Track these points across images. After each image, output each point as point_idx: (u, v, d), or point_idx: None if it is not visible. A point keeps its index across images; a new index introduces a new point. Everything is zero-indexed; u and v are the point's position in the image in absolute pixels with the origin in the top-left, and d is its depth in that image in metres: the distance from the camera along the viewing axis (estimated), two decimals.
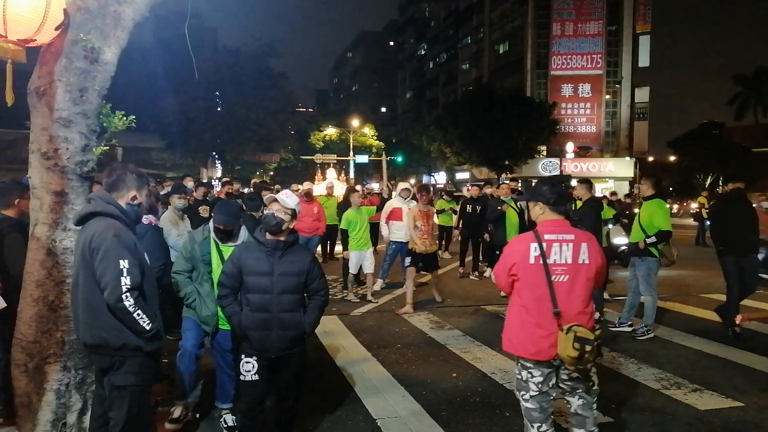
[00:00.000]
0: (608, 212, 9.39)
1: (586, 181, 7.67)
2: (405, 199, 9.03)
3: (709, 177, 51.43)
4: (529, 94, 39.90)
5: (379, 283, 9.37)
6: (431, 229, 7.92)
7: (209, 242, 3.98)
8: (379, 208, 9.75)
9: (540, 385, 3.06)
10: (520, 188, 11.48)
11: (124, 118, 3.53)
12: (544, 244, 3.00)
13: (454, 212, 12.13)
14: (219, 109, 30.13)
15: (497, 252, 8.61)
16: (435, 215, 7.72)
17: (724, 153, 46.34)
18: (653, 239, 6.37)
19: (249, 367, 3.30)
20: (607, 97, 42.33)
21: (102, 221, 2.76)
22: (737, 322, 3.73)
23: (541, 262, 2.99)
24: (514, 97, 35.71)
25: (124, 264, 2.66)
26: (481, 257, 10.80)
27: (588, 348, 2.83)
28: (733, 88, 53.62)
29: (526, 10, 43.23)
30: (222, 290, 3.39)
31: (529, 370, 3.07)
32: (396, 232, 8.99)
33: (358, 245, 8.32)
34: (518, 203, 8.99)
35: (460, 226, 11.02)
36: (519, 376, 3.14)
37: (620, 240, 11.12)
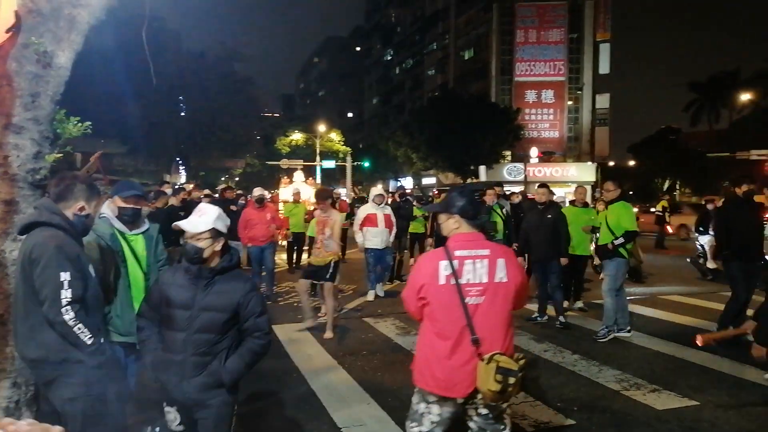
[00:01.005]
0: (585, 216, 8.61)
1: (546, 186, 7.78)
2: (379, 204, 8.92)
3: (667, 181, 52.97)
4: (493, 99, 40.50)
5: (379, 288, 9.25)
6: (327, 238, 7.02)
7: (116, 236, 3.53)
8: (349, 215, 9.62)
9: (435, 424, 2.71)
10: (506, 192, 11.28)
11: (80, 124, 3.43)
12: (456, 262, 2.61)
13: (426, 218, 12.05)
14: (183, 113, 29.65)
15: None
16: (334, 224, 6.92)
17: (680, 158, 47.82)
18: (621, 240, 6.52)
19: (171, 417, 2.74)
20: (570, 103, 43.29)
21: (44, 232, 2.66)
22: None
23: (453, 282, 2.59)
24: (480, 102, 36.23)
25: (65, 276, 2.57)
26: None
27: (511, 380, 2.47)
28: (688, 95, 55.45)
29: (491, 17, 43.91)
30: (140, 321, 2.85)
31: (429, 405, 2.70)
32: (372, 238, 8.84)
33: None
34: (504, 209, 8.93)
35: (432, 234, 10.52)
36: (415, 407, 2.78)
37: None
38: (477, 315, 2.59)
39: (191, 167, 33.10)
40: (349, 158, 39.91)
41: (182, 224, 2.68)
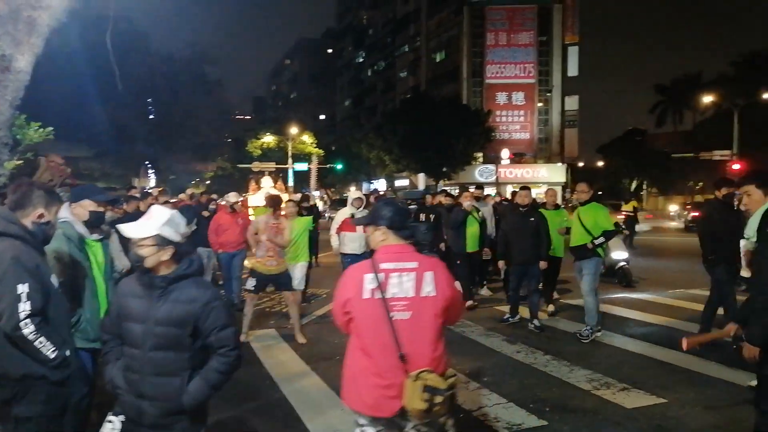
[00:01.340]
0: (558, 218, 8.39)
1: (528, 188, 7.78)
2: (358, 208, 8.50)
3: (634, 181, 54.17)
4: (465, 101, 40.85)
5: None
6: (278, 245, 6.90)
7: (82, 240, 3.35)
8: (315, 219, 9.42)
9: None
10: (484, 195, 11.10)
11: (41, 129, 3.33)
12: (381, 275, 2.50)
13: None
14: (152, 116, 29.18)
15: (458, 262, 8.44)
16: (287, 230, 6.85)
17: (646, 158, 48.96)
18: (601, 239, 6.62)
19: (109, 428, 2.49)
20: (540, 105, 43.95)
21: (1, 243, 2.57)
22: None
23: (378, 296, 2.48)
24: (451, 104, 36.52)
25: (23, 288, 2.47)
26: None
27: (438, 399, 2.36)
28: (653, 96, 56.87)
29: (462, 19, 44.31)
30: (103, 335, 2.67)
31: (363, 428, 2.57)
32: (349, 243, 8.41)
33: (289, 258, 7.34)
34: (480, 213, 8.86)
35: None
36: (354, 428, 2.65)
37: (619, 254, 10.44)
38: (403, 330, 2.47)
39: (160, 171, 32.58)
40: (314, 160, 39.60)
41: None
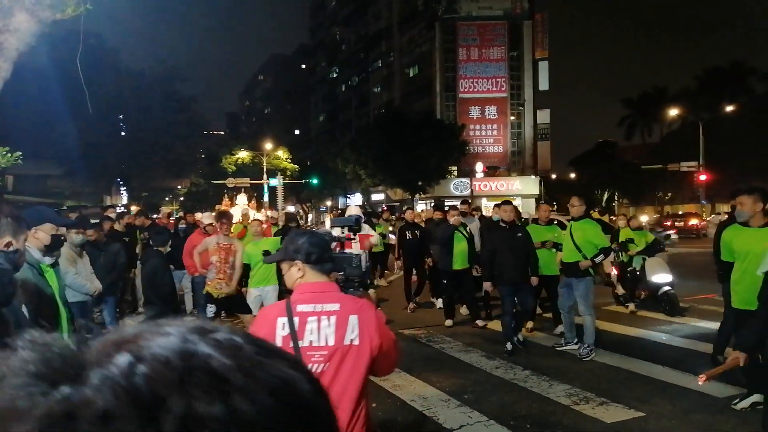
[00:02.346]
0: (549, 234, 8.03)
1: (510, 202, 7.53)
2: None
3: (606, 193, 55.18)
4: (439, 116, 41.22)
5: None
6: (230, 267, 6.70)
7: (41, 267, 3.26)
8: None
9: None
10: (471, 210, 10.72)
11: (9, 155, 3.25)
12: (296, 319, 2.12)
13: (383, 236, 11.61)
14: (123, 133, 28.77)
15: (444, 281, 8.30)
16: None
17: (617, 170, 49.99)
18: (601, 256, 6.54)
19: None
20: (512, 118, 44.55)
21: None
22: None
23: (291, 344, 2.09)
24: (425, 119, 36.81)
25: None
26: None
27: None
28: (622, 110, 58.26)
29: (434, 35, 44.84)
30: None
31: None
32: None
33: (257, 281, 6.94)
34: (468, 228, 8.51)
35: (400, 255, 10.06)
36: None
37: (663, 278, 8.72)
38: None
39: (133, 188, 32.06)
40: (279, 177, 38.87)
41: None
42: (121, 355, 0.39)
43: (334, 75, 67.81)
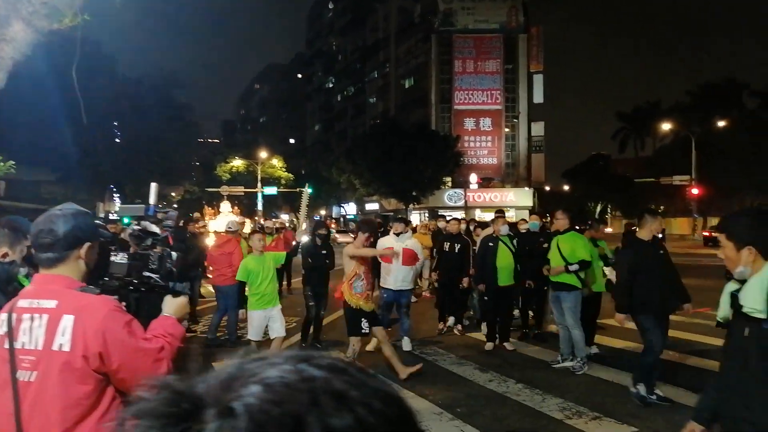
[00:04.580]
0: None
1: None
2: (398, 235, 7.41)
3: (599, 205, 55.47)
4: (434, 127, 41.46)
5: (406, 342, 7.53)
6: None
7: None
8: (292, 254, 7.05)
9: None
10: (515, 221, 10.23)
11: (2, 164, 3.23)
12: (14, 315, 1.75)
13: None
14: (118, 140, 28.73)
15: (485, 297, 7.86)
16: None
17: (610, 183, 50.31)
18: (576, 266, 6.60)
19: None
20: (507, 130, 44.84)
21: None
22: None
23: (6, 345, 1.74)
24: (420, 130, 37.01)
25: None
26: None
27: None
28: (615, 123, 58.73)
29: (430, 47, 45.16)
30: None
31: None
32: (384, 276, 7.45)
33: (261, 302, 6.39)
34: (514, 241, 7.83)
35: (435, 268, 9.15)
36: None
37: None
38: (25, 398, 1.70)
39: (126, 195, 31.94)
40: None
41: None
42: (247, 387, 0.43)
43: (330, 85, 68.08)
